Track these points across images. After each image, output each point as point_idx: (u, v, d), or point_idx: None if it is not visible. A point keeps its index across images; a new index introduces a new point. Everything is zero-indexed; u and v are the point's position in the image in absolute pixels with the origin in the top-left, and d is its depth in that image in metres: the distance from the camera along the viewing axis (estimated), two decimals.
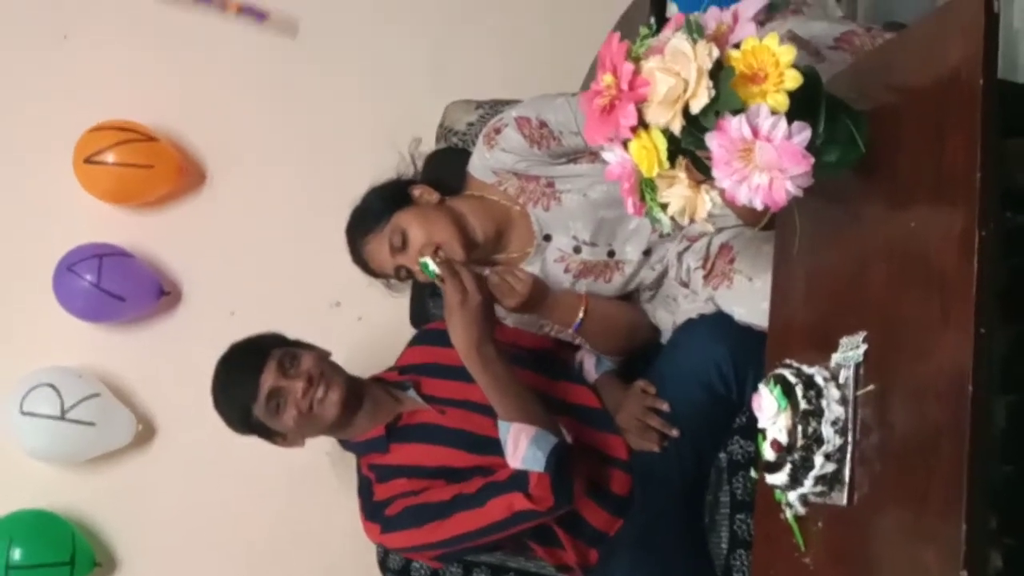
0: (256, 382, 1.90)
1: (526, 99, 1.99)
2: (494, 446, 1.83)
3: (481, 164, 2.02)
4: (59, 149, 2.50)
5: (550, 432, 1.79)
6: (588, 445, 1.91)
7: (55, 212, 2.57)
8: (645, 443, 1.90)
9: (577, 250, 2.01)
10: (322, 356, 1.98)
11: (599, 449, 1.94)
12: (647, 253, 2.00)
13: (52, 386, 2.41)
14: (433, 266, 1.85)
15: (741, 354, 1.81)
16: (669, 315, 2.02)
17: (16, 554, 2.35)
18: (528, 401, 1.82)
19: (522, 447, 1.76)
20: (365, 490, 1.97)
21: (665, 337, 2.04)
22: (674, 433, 1.88)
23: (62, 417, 2.39)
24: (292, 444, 2.00)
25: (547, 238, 2.02)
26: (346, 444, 2.04)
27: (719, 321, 1.85)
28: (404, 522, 1.85)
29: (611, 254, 2.02)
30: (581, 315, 2.01)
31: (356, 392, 1.95)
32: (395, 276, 2.01)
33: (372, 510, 1.92)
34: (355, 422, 1.96)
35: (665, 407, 1.89)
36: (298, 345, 1.99)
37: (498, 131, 1.96)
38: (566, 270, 2.02)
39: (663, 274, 2.03)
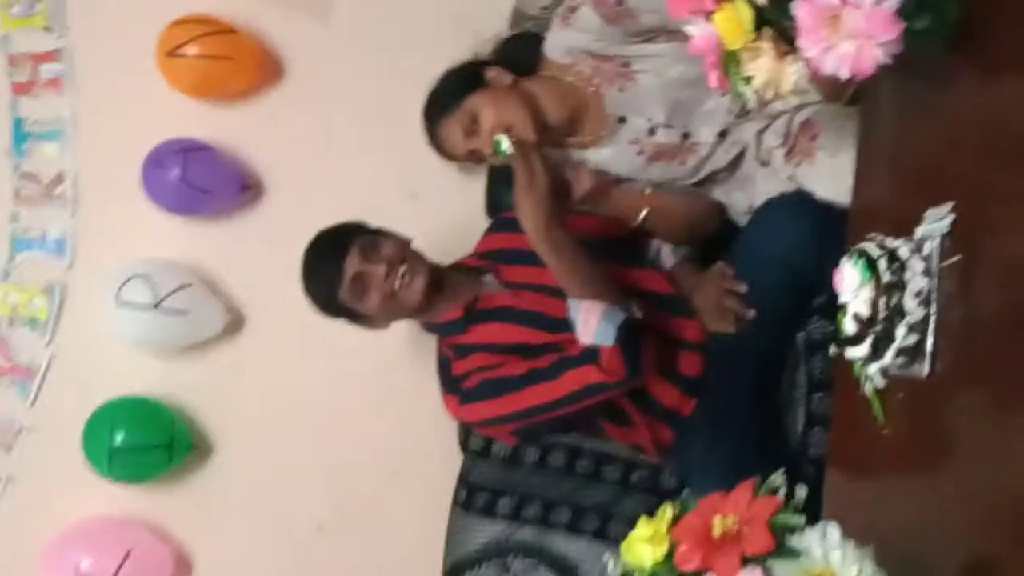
0: (340, 267, 1.97)
1: None
2: (567, 326, 1.87)
3: (556, 44, 2.01)
4: (143, 44, 2.52)
5: (619, 308, 1.82)
6: (659, 329, 1.94)
7: (141, 107, 2.60)
8: (721, 324, 1.92)
9: (652, 132, 2.00)
10: (404, 243, 2.03)
11: (670, 332, 1.96)
12: (723, 135, 1.99)
13: (146, 277, 2.48)
14: (506, 145, 1.87)
15: (822, 233, 1.80)
16: (746, 197, 2.01)
17: (118, 438, 2.45)
18: (597, 280, 1.86)
19: (592, 323, 1.81)
20: (444, 367, 2.04)
21: (740, 220, 2.03)
22: (750, 314, 1.89)
23: (156, 306, 2.48)
24: (377, 326, 2.07)
25: (622, 120, 2.01)
26: (428, 326, 2.10)
27: (800, 200, 1.84)
28: (481, 393, 1.93)
29: (686, 136, 2.00)
30: (643, 216, 2.02)
31: (437, 277, 2.01)
32: (468, 159, 2.05)
33: (450, 383, 2.00)
34: (437, 306, 2.01)
35: (743, 288, 1.90)
36: (380, 233, 2.05)
37: (573, 9, 1.95)
38: (640, 152, 2.02)
39: (740, 156, 2.01)
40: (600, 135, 2.02)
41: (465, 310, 2.01)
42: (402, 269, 1.96)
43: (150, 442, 2.48)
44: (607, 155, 2.04)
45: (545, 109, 1.99)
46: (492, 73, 2.02)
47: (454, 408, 2.00)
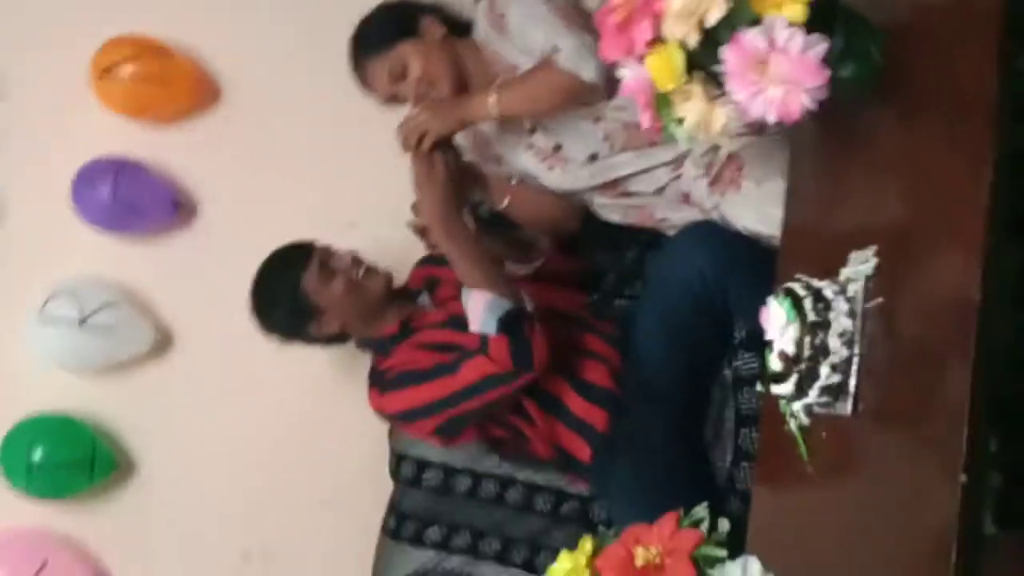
0: (308, 251, 2.09)
1: None
2: None
3: (477, 20, 2.10)
4: (76, 63, 2.50)
5: (505, 298, 1.90)
6: (568, 341, 2.01)
7: (72, 125, 2.57)
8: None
9: (532, 131, 2.08)
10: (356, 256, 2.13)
11: (578, 344, 2.03)
12: (593, 158, 2.03)
13: (71, 293, 2.45)
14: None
15: (727, 261, 1.85)
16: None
17: (37, 455, 2.41)
18: (490, 272, 1.95)
19: (478, 311, 1.90)
20: (373, 370, 2.10)
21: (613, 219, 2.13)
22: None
23: (81, 323, 2.44)
24: (325, 330, 2.10)
25: None
26: (364, 342, 2.16)
27: (704, 229, 1.89)
28: (397, 384, 2.01)
29: (557, 148, 2.06)
30: (505, 202, 2.12)
31: (392, 284, 2.12)
32: (387, 100, 2.10)
33: (374, 377, 2.08)
34: (384, 315, 2.10)
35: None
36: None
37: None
38: (518, 140, 2.10)
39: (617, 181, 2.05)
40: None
41: (401, 326, 2.09)
42: (364, 264, 2.09)
43: (70, 459, 2.45)
44: (495, 132, 2.12)
45: (467, 73, 2.06)
46: (427, 22, 2.07)
47: (376, 400, 2.06)
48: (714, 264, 1.86)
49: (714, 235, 1.90)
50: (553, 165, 2.08)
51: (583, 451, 2.00)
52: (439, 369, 1.96)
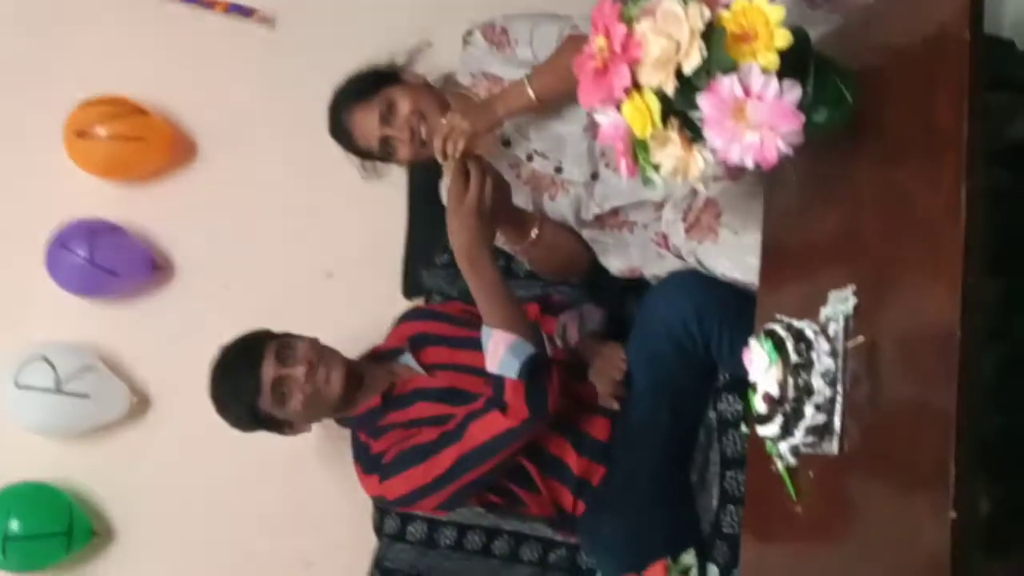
0: (257, 376, 1.95)
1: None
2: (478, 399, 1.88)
3: (461, 65, 2.09)
4: (50, 124, 2.50)
5: (529, 342, 1.82)
6: (570, 393, 1.96)
7: (47, 187, 2.56)
8: (608, 399, 1.99)
9: (530, 158, 2.06)
10: (313, 340, 2.02)
11: (579, 397, 2.00)
12: (595, 177, 2.04)
13: (47, 359, 2.41)
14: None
15: (708, 309, 1.86)
16: (625, 260, 2.07)
17: (14, 525, 2.36)
18: (514, 312, 1.85)
19: (499, 352, 1.81)
20: (362, 450, 2.02)
21: (612, 267, 2.10)
22: (614, 405, 1.97)
23: (57, 390, 2.40)
24: (299, 431, 2.06)
25: (506, 143, 2.07)
26: (344, 420, 2.08)
27: (686, 277, 1.90)
28: (398, 467, 1.91)
29: (558, 170, 2.05)
30: (535, 234, 2.04)
31: (355, 369, 2.01)
32: (378, 149, 2.02)
33: (369, 463, 1.97)
34: (354, 400, 2.01)
35: (619, 375, 1.98)
36: (287, 335, 2.03)
37: (471, 32, 2.06)
38: (517, 176, 2.07)
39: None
40: (489, 153, 2.05)
41: (383, 397, 2.01)
42: (320, 367, 1.96)
43: (47, 530, 2.40)
44: None
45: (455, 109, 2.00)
46: (407, 74, 2.06)
47: (375, 488, 1.97)
48: (696, 311, 1.87)
49: (696, 283, 1.90)
50: (555, 194, 2.06)
51: (580, 508, 1.99)
52: (444, 439, 1.87)
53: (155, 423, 2.58)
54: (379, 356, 2.12)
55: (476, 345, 1.87)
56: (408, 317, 2.22)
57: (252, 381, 1.95)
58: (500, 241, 2.05)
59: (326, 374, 1.96)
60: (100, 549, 2.53)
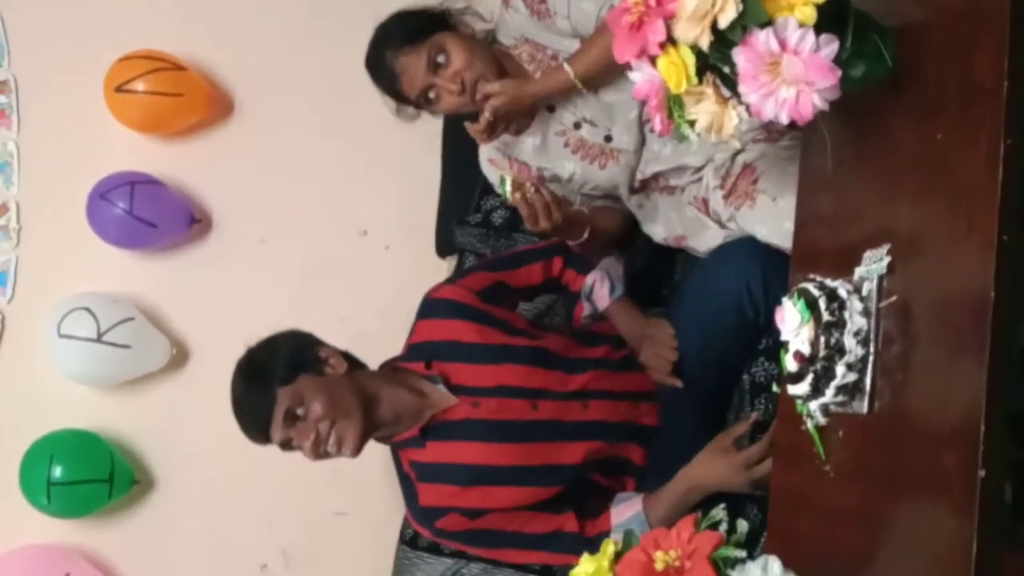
0: (266, 434, 1.87)
1: None
2: (535, 431, 1.88)
3: (502, 25, 2.04)
4: (90, 79, 2.53)
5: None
6: (621, 391, 1.97)
7: (88, 141, 2.60)
8: (669, 380, 1.95)
9: (577, 126, 2.03)
10: (331, 391, 1.83)
11: (630, 390, 1.99)
12: (643, 143, 2.02)
13: (88, 310, 2.46)
14: (509, 186, 1.84)
15: (771, 276, 1.83)
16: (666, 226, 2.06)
17: (57, 471, 2.41)
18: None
19: (625, 514, 1.88)
20: (408, 488, 1.97)
21: (656, 235, 2.07)
22: (678, 383, 1.95)
23: (98, 339, 2.45)
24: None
25: (551, 109, 2.04)
26: (380, 440, 1.99)
27: (752, 245, 1.87)
28: (458, 539, 1.95)
29: (608, 139, 2.02)
30: (586, 234, 2.01)
31: (372, 417, 1.86)
32: (420, 97, 1.95)
33: (420, 515, 1.94)
34: (381, 432, 1.92)
35: (674, 356, 1.95)
36: (302, 379, 1.85)
37: None
38: (565, 144, 2.04)
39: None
40: (532, 120, 2.03)
41: (422, 430, 1.90)
42: (331, 436, 1.82)
43: (90, 476, 2.45)
44: (538, 144, 2.06)
45: (505, 70, 1.97)
46: (460, 19, 2.00)
47: (426, 534, 2.02)
48: (764, 278, 1.84)
49: (763, 251, 1.86)
50: (605, 163, 2.03)
51: (630, 485, 2.02)
52: (519, 540, 1.91)
53: (194, 374, 2.63)
54: (412, 376, 1.95)
55: (497, 357, 1.89)
56: (424, 313, 2.03)
57: (262, 439, 1.89)
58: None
59: (338, 440, 1.82)
60: (141, 496, 2.59)
